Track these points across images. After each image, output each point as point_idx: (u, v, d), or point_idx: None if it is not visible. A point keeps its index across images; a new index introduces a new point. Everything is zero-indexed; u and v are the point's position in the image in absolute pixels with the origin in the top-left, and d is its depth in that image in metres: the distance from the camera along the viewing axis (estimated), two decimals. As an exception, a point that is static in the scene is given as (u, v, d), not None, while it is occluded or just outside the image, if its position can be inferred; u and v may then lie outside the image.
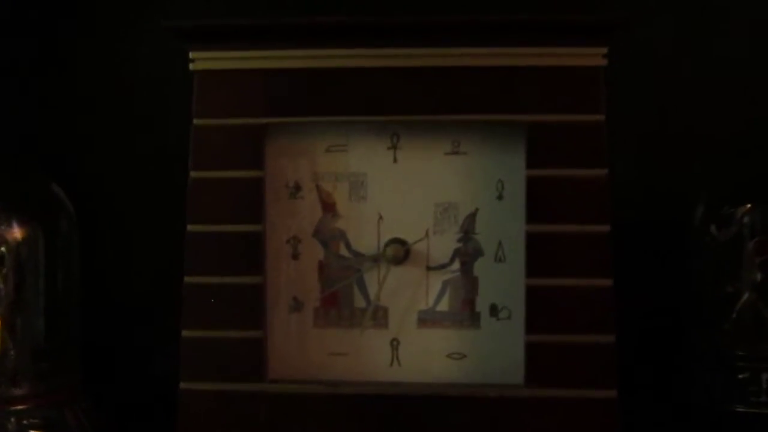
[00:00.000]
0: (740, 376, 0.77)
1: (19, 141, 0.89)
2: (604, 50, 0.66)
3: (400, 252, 0.70)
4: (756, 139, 0.86)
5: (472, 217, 0.71)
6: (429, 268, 0.71)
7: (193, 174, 0.69)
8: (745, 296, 0.78)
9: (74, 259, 0.82)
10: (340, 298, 0.72)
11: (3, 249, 0.77)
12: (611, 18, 0.66)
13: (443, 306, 0.71)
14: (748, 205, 0.79)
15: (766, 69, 0.87)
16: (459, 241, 0.71)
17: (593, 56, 0.67)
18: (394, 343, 0.71)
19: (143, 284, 0.86)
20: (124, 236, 0.88)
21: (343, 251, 0.71)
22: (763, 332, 0.78)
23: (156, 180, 0.86)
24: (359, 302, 0.71)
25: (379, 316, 0.71)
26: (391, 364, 0.71)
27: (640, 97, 0.85)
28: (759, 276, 0.78)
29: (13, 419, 0.73)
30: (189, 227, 0.69)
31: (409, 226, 0.71)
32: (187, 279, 0.69)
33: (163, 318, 0.72)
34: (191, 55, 0.69)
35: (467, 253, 0.71)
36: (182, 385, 0.69)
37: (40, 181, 0.82)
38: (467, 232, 0.71)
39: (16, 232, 0.78)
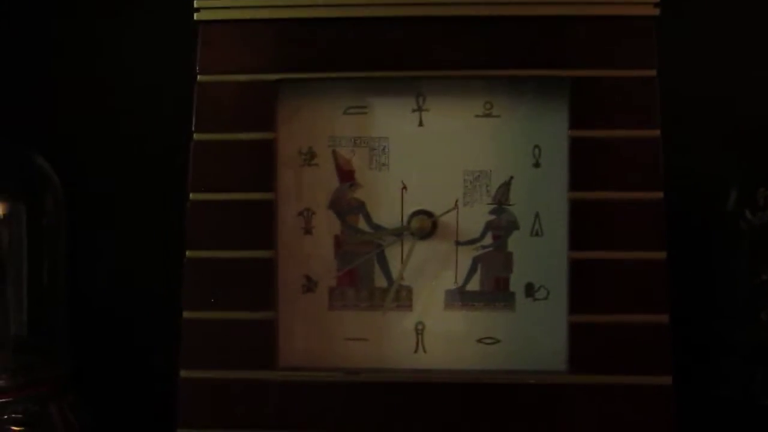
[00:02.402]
0: None
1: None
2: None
3: (426, 225, 0.66)
4: None
5: (506, 186, 0.67)
6: (458, 243, 0.67)
7: (196, 136, 0.64)
8: None
9: (61, 239, 0.78)
10: (359, 276, 0.67)
11: (-18, 226, 0.73)
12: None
13: (474, 285, 0.67)
14: None
15: None
16: (491, 213, 0.67)
17: (644, 5, 0.62)
18: (419, 327, 0.67)
19: (141, 264, 0.81)
20: (118, 212, 0.82)
21: (362, 224, 0.67)
22: None
23: (154, 144, 0.81)
24: (380, 281, 0.67)
25: (403, 297, 0.67)
26: (416, 350, 0.67)
27: (676, 74, 0.81)
28: None
29: (-7, 412, 0.70)
30: (191, 196, 0.64)
31: (435, 197, 0.66)
32: (189, 253, 0.64)
33: (163, 301, 0.68)
34: (196, 3, 0.64)
35: (500, 226, 0.67)
36: (183, 373, 0.64)
37: (23, 152, 0.77)
38: (500, 203, 0.67)
39: (-1, 208, 0.74)
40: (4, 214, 0.74)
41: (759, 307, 0.76)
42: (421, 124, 0.66)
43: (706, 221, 0.80)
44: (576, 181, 0.62)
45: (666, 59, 0.80)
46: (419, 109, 0.66)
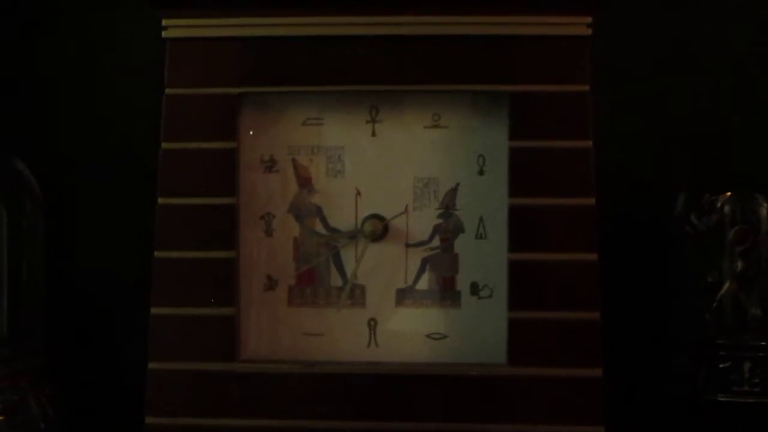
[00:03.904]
0: (721, 366, 0.77)
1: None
2: (589, 19, 0.66)
3: (378, 228, 0.69)
4: (736, 129, 0.87)
5: (452, 192, 0.70)
6: (408, 245, 0.70)
7: (164, 145, 0.67)
8: (726, 285, 0.79)
9: (39, 238, 0.81)
10: (316, 276, 0.70)
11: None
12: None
13: (423, 284, 0.70)
14: (728, 194, 0.80)
15: (750, 60, 0.87)
16: (439, 217, 0.70)
17: (578, 25, 0.66)
18: (372, 323, 0.70)
19: (113, 262, 0.85)
20: (92, 214, 0.86)
21: (319, 227, 0.70)
22: (744, 322, 0.79)
23: (124, 151, 0.85)
24: (336, 280, 0.70)
25: (357, 295, 0.70)
26: (369, 344, 0.70)
27: (621, 88, 0.85)
28: (739, 265, 0.79)
29: (-27, 403, 0.72)
30: (160, 200, 0.67)
31: (387, 202, 0.70)
32: (157, 253, 0.67)
33: (133, 297, 0.71)
34: (164, 22, 0.67)
35: (447, 229, 0.70)
36: (151, 365, 0.67)
37: (2, 156, 0.80)
38: (447, 207, 0.70)
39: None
40: None
41: (704, 307, 0.80)
42: (374, 134, 0.70)
43: (659, 225, 0.84)
44: (515, 188, 0.66)
45: (619, 68, 0.84)
46: (372, 121, 0.70)
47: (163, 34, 0.67)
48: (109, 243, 0.85)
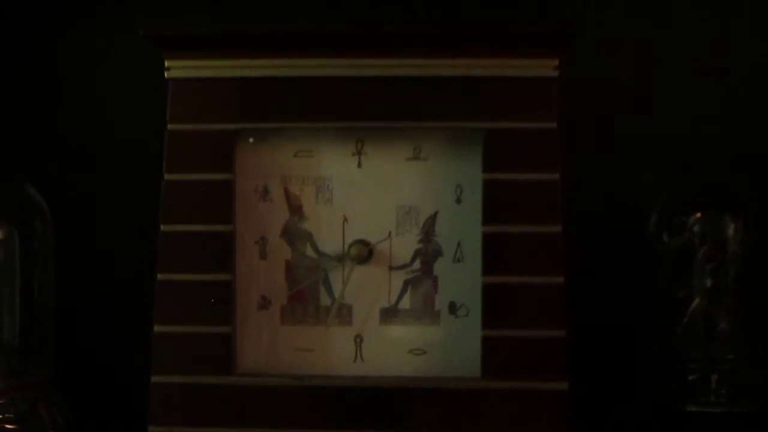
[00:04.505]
0: (691, 377, 0.79)
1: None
2: (556, 62, 0.70)
3: (364, 252, 0.73)
4: (705, 151, 0.90)
5: (432, 219, 0.74)
6: (391, 268, 0.74)
7: (167, 176, 0.71)
8: (696, 301, 0.81)
9: (49, 258, 0.84)
10: (307, 296, 0.74)
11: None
12: (561, 31, 0.70)
13: (405, 304, 0.74)
14: (698, 215, 0.82)
15: (722, 80, 0.90)
16: (420, 242, 0.74)
17: (546, 67, 0.70)
18: (358, 340, 0.74)
19: (118, 282, 0.88)
20: (99, 237, 0.89)
21: (310, 251, 0.74)
22: (713, 336, 0.81)
23: (129, 181, 0.88)
24: (325, 300, 0.74)
25: (344, 314, 0.74)
26: (355, 359, 0.74)
27: (593, 106, 0.88)
28: (709, 282, 0.81)
29: (-12, 412, 0.75)
30: (162, 227, 0.71)
31: (372, 228, 0.73)
32: (159, 276, 0.71)
33: (137, 315, 0.75)
34: (166, 63, 0.71)
35: (427, 253, 0.74)
36: (154, 378, 0.71)
37: (15, 182, 0.84)
38: (428, 233, 0.73)
39: (-6, 233, 0.80)
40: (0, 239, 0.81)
41: (675, 322, 0.81)
42: (359, 165, 0.73)
43: (633, 244, 0.85)
44: (489, 217, 0.70)
45: (593, 90, 0.86)
46: (358, 153, 0.73)
47: (166, 74, 0.71)
48: (114, 264, 0.88)
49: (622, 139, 0.90)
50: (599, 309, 0.86)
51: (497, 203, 0.70)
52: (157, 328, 0.71)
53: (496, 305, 0.70)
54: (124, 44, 0.88)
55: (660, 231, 0.84)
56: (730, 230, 0.81)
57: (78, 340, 0.87)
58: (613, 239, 0.87)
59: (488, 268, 0.70)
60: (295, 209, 0.74)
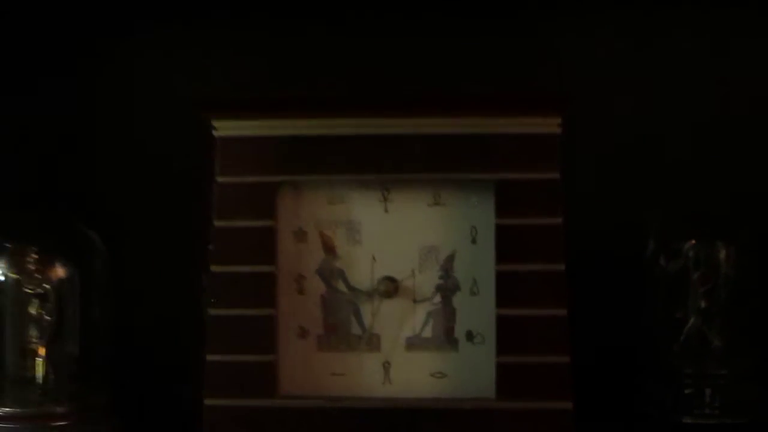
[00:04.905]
0: (686, 392, 0.84)
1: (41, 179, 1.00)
2: (559, 120, 0.78)
3: (391, 288, 0.79)
4: (699, 182, 0.96)
5: (450, 258, 0.80)
6: (415, 301, 0.80)
7: (216, 223, 0.79)
8: (691, 321, 0.86)
9: (106, 292, 0.91)
10: (340, 326, 0.80)
11: (48, 287, 0.87)
12: (564, 94, 0.78)
13: (427, 333, 0.80)
14: (693, 241, 0.87)
15: (716, 115, 0.97)
16: (440, 278, 0.80)
17: (549, 125, 0.78)
18: (386, 365, 0.80)
19: (173, 315, 0.96)
20: (153, 278, 0.98)
21: (342, 287, 0.81)
22: (707, 353, 0.85)
23: (177, 223, 0.97)
24: (356, 330, 0.80)
25: (373, 342, 0.80)
26: (384, 382, 0.80)
27: (593, 141, 0.95)
28: (702, 303, 0.85)
29: (54, 434, 0.81)
30: (212, 267, 0.79)
31: (398, 266, 0.80)
32: (211, 311, 0.79)
33: (188, 344, 0.83)
34: (214, 123, 0.80)
35: (447, 288, 0.80)
36: (207, 401, 0.77)
37: (77, 227, 0.92)
38: (447, 270, 0.80)
39: (59, 272, 0.88)
40: (64, 276, 0.89)
41: (672, 340, 0.86)
42: (386, 210, 0.80)
43: (634, 268, 0.90)
44: (501, 257, 0.77)
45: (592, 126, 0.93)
46: (385, 200, 0.80)
47: (214, 132, 0.79)
48: (169, 299, 0.96)
49: (621, 172, 0.97)
50: (602, 329, 0.91)
51: (508, 245, 0.78)
52: (209, 357, 0.78)
53: (509, 334, 0.76)
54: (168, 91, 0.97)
55: (657, 256, 0.88)
56: (722, 256, 0.86)
57: (134, 365, 0.93)
58: (614, 264, 0.93)
59: (501, 301, 0.77)
60: (329, 250, 0.81)
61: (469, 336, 0.80)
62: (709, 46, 0.97)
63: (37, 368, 0.85)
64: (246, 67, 0.96)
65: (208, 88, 0.83)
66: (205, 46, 0.97)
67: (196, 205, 0.83)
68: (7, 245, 0.89)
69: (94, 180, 0.99)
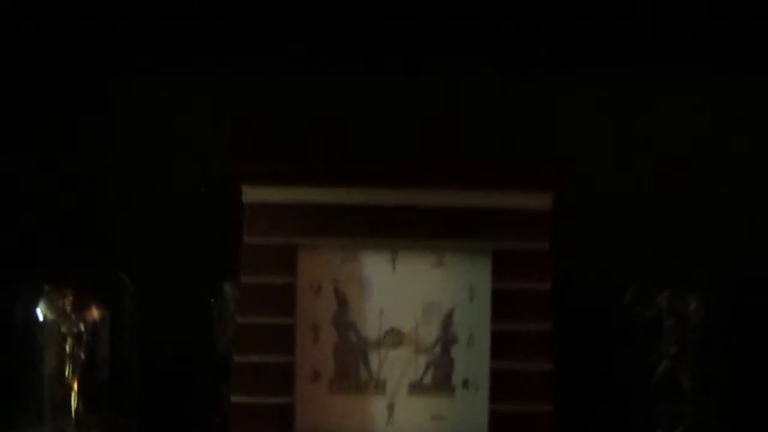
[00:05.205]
0: (658, 430, 0.92)
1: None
2: (551, 196, 0.88)
3: (396, 338, 0.88)
4: (672, 239, 1.05)
5: (450, 313, 0.89)
6: (418, 351, 0.89)
7: (243, 279, 0.89)
8: (664, 364, 0.93)
9: (135, 329, 1.01)
10: (350, 371, 0.89)
11: (82, 327, 0.97)
12: (556, 173, 0.88)
13: (428, 379, 0.89)
14: (665, 292, 0.95)
15: (689, 178, 1.06)
16: (440, 331, 0.89)
17: (543, 200, 0.88)
18: (390, 407, 0.89)
19: (195, 358, 1.05)
20: (177, 315, 1.07)
21: (353, 336, 0.89)
22: (678, 394, 0.93)
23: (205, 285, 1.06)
24: (364, 375, 0.89)
25: (379, 386, 0.89)
26: (388, 423, 0.88)
27: (580, 207, 1.03)
28: (674, 349, 0.93)
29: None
30: (240, 319, 0.89)
31: (403, 319, 0.89)
32: (236, 358, 0.88)
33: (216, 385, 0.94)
34: (243, 189, 0.89)
35: (446, 340, 0.89)
36: None
37: (110, 270, 1.02)
38: (446, 324, 0.89)
39: (93, 313, 0.98)
40: (98, 316, 0.98)
41: (646, 381, 0.94)
42: (394, 270, 0.89)
43: (609, 315, 0.98)
44: (495, 315, 0.87)
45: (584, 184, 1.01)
46: (393, 260, 0.89)
47: (243, 198, 0.89)
48: (192, 337, 1.05)
49: (601, 232, 1.07)
50: (581, 369, 0.99)
51: (502, 305, 0.88)
52: (233, 398, 0.88)
53: (501, 384, 0.85)
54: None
55: (635, 305, 0.96)
56: (692, 306, 0.94)
57: (161, 397, 1.00)
58: (596, 313, 1.00)
59: (495, 354, 0.86)
60: (342, 303, 0.90)
61: (465, 384, 0.89)
62: (680, 112, 1.07)
63: (71, 400, 0.94)
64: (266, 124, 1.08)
65: (235, 146, 0.92)
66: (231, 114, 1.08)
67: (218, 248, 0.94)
68: (46, 287, 0.98)
69: (128, 225, 1.10)
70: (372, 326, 0.90)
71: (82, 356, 0.95)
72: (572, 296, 0.93)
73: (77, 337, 0.95)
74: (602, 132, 1.07)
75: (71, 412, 0.94)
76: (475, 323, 0.89)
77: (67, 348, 0.94)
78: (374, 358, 0.90)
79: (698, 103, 1.06)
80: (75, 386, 0.94)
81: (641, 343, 0.95)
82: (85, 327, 0.96)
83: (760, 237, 1.05)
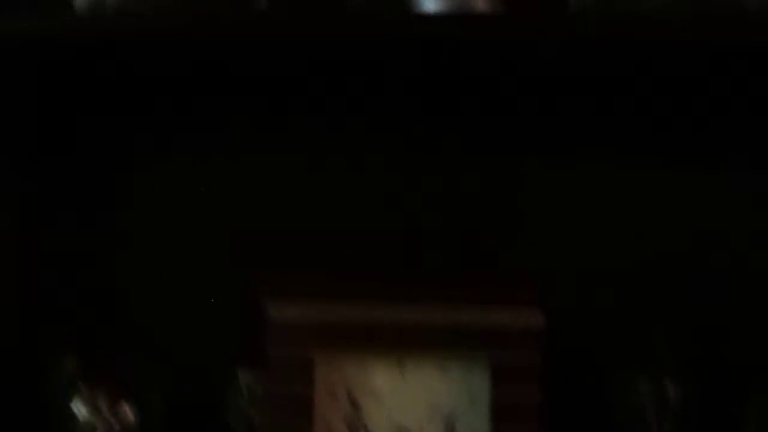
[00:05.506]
0: None
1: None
2: (542, 319, 1.00)
3: None
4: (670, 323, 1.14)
5: (452, 414, 1.02)
6: None
7: (268, 388, 1.02)
8: None
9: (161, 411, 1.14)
10: None
11: (116, 426, 1.09)
12: (549, 294, 1.01)
13: None
14: (645, 378, 1.06)
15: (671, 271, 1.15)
16: (444, 429, 1.03)
17: (534, 319, 1.01)
18: None
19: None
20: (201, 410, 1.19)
21: None
22: None
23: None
24: None
25: None
26: None
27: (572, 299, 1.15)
28: (655, 429, 1.06)
29: None
30: (262, 419, 1.03)
31: (410, 419, 1.02)
32: None
33: None
34: (269, 306, 1.02)
35: None
36: None
37: (139, 369, 1.14)
38: (448, 424, 1.02)
39: (126, 414, 1.10)
40: (130, 417, 1.11)
41: None
42: (403, 376, 1.02)
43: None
44: (493, 418, 1.00)
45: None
46: (401, 368, 1.02)
47: (267, 314, 1.01)
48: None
49: (592, 330, 1.17)
50: None
51: (500, 409, 1.01)
52: None
53: None
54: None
55: (621, 389, 1.08)
56: (670, 392, 1.06)
57: None
58: (586, 396, 1.13)
59: None
60: (356, 406, 1.03)
61: (465, 474, 1.03)
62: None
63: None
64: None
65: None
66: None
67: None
68: (82, 386, 1.09)
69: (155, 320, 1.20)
70: (382, 426, 1.02)
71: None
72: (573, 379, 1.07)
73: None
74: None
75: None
76: (476, 424, 1.01)
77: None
78: (385, 454, 1.03)
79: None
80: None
81: (629, 421, 1.06)
82: (119, 425, 1.09)
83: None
